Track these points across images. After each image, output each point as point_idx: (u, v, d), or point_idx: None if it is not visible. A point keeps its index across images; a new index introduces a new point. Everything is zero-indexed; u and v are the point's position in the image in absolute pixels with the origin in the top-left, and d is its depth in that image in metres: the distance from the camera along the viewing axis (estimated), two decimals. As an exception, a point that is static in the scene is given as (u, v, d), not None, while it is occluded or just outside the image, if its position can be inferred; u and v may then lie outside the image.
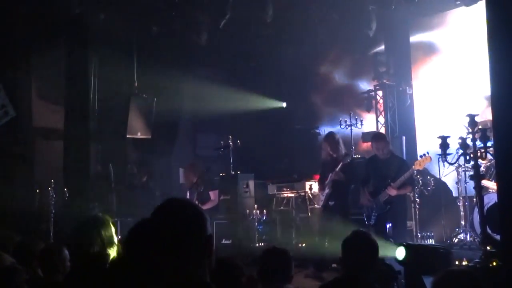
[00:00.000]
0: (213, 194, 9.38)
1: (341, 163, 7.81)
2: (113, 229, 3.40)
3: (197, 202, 8.82)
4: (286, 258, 3.48)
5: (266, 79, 12.99)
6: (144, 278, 1.90)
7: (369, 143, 8.85)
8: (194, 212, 1.92)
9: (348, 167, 7.85)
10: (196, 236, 1.86)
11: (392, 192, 7.52)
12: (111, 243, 3.32)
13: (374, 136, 8.27)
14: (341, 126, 10.58)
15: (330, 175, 7.93)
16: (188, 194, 9.50)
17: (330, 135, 8.24)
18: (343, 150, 8.05)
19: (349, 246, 3.52)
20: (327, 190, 8.04)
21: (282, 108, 13.42)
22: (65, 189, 9.40)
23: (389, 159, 7.77)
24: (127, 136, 11.20)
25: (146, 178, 11.08)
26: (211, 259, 1.92)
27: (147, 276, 1.88)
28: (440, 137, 6.13)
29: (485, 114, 7.77)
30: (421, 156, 7.64)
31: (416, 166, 7.55)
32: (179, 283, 1.80)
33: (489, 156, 5.98)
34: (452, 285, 2.63)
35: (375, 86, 11.45)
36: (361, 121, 10.69)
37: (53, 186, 9.01)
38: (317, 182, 9.02)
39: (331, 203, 7.99)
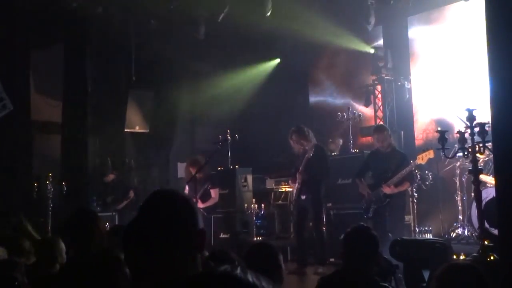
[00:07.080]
0: (213, 192, 9.33)
1: (305, 158, 7.71)
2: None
3: (198, 199, 8.84)
4: (271, 252, 3.41)
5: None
6: (136, 275, 1.81)
7: (368, 138, 8.85)
8: (183, 205, 1.78)
9: (311, 162, 7.70)
10: (186, 230, 1.74)
11: (388, 190, 7.46)
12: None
13: (376, 129, 8.31)
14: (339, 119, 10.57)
15: (300, 168, 7.86)
16: (187, 189, 9.45)
17: (292, 132, 8.04)
18: (311, 140, 7.93)
19: (350, 241, 3.50)
20: (297, 185, 7.99)
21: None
22: (63, 183, 9.40)
23: (391, 153, 7.74)
24: (125, 130, 11.19)
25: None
26: (203, 255, 1.83)
27: (138, 274, 1.79)
28: (438, 131, 6.14)
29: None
30: (423, 150, 7.55)
31: (419, 160, 7.43)
32: (170, 280, 1.69)
33: (487, 151, 5.98)
34: (455, 278, 2.62)
35: (373, 80, 11.43)
36: (360, 115, 10.68)
37: (51, 179, 9.00)
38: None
39: (303, 197, 7.93)
